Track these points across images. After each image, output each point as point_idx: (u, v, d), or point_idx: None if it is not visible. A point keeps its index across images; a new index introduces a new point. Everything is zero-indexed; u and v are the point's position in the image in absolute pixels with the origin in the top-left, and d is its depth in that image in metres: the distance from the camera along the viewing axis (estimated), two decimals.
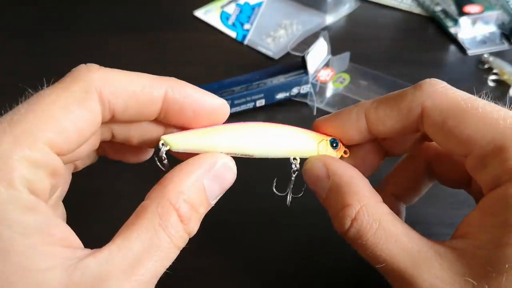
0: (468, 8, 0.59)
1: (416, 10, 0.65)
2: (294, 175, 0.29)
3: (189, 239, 0.24)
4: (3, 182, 0.19)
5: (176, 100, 0.25)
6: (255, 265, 0.36)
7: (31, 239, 0.19)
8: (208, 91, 0.48)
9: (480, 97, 0.25)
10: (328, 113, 0.31)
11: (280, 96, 0.49)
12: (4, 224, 0.19)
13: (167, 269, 0.22)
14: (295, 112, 0.49)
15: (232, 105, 0.48)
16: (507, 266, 0.21)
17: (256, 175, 0.35)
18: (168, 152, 0.25)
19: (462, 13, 0.59)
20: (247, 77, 0.50)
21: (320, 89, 0.50)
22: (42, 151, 0.21)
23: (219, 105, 0.26)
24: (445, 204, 0.39)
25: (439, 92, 0.25)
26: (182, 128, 0.26)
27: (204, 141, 0.25)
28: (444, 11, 0.62)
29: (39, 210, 0.20)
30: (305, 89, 0.49)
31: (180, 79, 0.54)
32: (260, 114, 0.49)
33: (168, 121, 0.26)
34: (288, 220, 0.38)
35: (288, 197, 0.31)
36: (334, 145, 0.29)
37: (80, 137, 0.22)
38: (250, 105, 0.48)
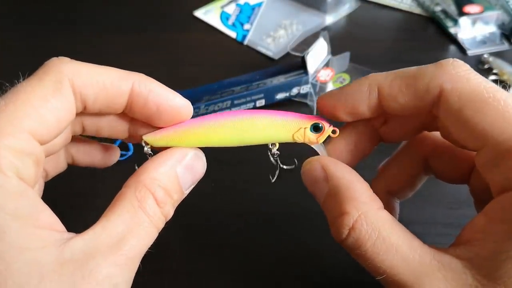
0: (468, 8, 0.59)
1: (416, 10, 0.65)
2: (275, 158, 0.28)
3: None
4: None
5: (141, 94, 0.25)
6: (251, 267, 0.36)
7: (22, 222, 0.20)
8: (208, 91, 0.49)
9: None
10: None
11: (280, 96, 0.49)
12: (0, 208, 0.19)
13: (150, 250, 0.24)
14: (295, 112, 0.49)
15: (232, 105, 0.48)
16: None
17: (254, 176, 0.35)
18: (153, 148, 0.28)
19: (462, 13, 0.59)
20: (247, 77, 0.50)
21: (320, 89, 0.50)
22: (26, 140, 0.21)
23: (182, 105, 0.26)
24: (444, 203, 0.39)
25: (461, 76, 0.24)
26: (147, 122, 0.27)
27: (178, 138, 0.27)
28: (444, 11, 0.62)
29: (28, 196, 0.21)
30: (305, 89, 0.49)
31: (181, 79, 0.54)
32: None
33: (133, 115, 0.26)
34: (288, 220, 0.39)
35: (275, 175, 0.30)
36: (317, 129, 0.28)
37: (58, 125, 0.23)
38: (250, 105, 0.48)
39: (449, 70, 0.24)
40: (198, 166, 0.27)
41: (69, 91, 0.23)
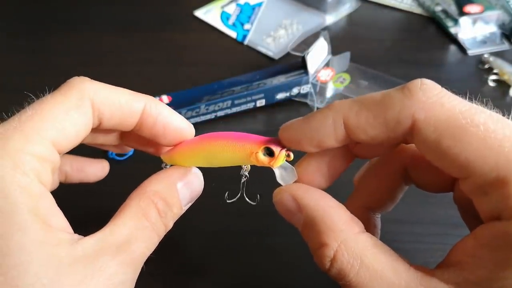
0: (468, 8, 0.59)
1: (417, 10, 0.65)
2: (244, 179, 0.28)
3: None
4: (19, 171, 0.22)
5: (151, 115, 0.27)
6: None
7: (41, 221, 0.22)
8: (208, 91, 0.49)
9: (477, 99, 0.23)
10: None
11: (280, 96, 0.49)
12: (22, 206, 0.21)
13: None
14: (295, 112, 0.49)
15: (232, 105, 0.48)
16: None
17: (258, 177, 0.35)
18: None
19: (462, 13, 0.59)
20: (247, 77, 0.50)
21: (320, 89, 0.50)
22: (48, 148, 0.23)
23: (185, 128, 0.29)
24: (444, 203, 0.39)
25: (434, 102, 0.22)
26: (153, 140, 0.29)
27: (177, 158, 0.29)
28: (444, 11, 0.62)
29: (46, 198, 0.23)
30: (305, 89, 0.49)
31: (181, 79, 0.54)
32: (260, 114, 0.49)
33: (142, 133, 0.28)
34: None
35: (236, 197, 0.29)
36: (269, 153, 0.26)
37: (76, 138, 0.25)
38: (250, 105, 0.48)
39: (419, 97, 0.22)
40: (196, 184, 0.28)
41: (89, 108, 0.25)
